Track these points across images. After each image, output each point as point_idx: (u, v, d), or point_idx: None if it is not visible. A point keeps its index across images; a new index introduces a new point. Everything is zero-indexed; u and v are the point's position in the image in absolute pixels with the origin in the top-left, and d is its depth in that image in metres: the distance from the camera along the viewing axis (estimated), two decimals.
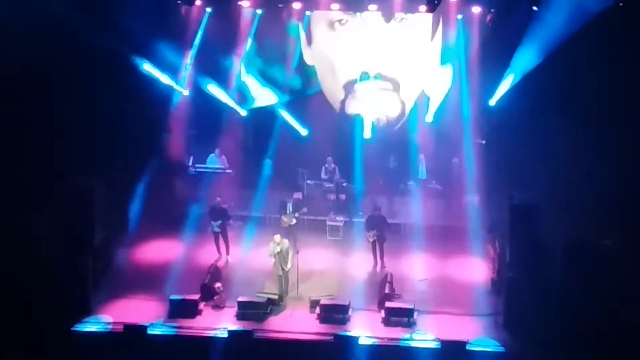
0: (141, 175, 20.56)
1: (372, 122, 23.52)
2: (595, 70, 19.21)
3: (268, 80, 23.54)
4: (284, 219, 20.05)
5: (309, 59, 23.66)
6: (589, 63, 19.32)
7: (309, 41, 23.54)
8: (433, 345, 16.20)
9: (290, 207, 20.20)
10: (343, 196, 22.31)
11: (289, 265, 18.02)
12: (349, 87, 23.63)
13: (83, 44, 18.43)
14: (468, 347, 16.00)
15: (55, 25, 17.93)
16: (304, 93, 23.88)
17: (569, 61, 19.39)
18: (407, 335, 16.51)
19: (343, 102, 23.83)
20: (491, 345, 16.26)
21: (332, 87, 23.88)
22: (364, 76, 23.21)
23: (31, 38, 17.58)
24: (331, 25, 23.29)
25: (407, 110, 23.61)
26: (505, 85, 20.91)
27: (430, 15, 22.23)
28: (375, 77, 23.22)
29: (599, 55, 19.22)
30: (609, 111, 18.83)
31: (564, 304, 16.57)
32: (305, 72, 23.73)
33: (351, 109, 23.76)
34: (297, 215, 20.11)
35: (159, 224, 20.93)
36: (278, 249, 17.92)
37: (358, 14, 22.80)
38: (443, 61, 23.09)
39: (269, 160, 22.99)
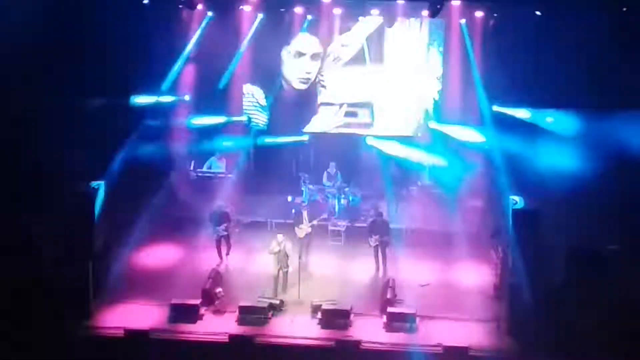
0: (142, 179, 20.53)
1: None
2: (598, 72, 19.23)
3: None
4: (301, 228, 19.72)
5: None
6: (592, 66, 19.35)
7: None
8: (435, 350, 16.12)
9: (305, 215, 19.85)
10: (345, 201, 22.26)
11: (288, 268, 18.08)
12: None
13: (81, 44, 18.45)
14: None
15: (51, 24, 17.96)
16: None
17: (572, 64, 19.41)
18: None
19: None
20: None
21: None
22: None
23: (26, 35, 17.59)
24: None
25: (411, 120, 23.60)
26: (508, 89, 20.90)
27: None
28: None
29: (602, 59, 19.25)
30: (613, 115, 18.81)
31: (567, 310, 16.49)
32: None
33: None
34: (314, 223, 19.92)
35: (159, 228, 20.85)
36: (277, 248, 18.04)
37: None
38: (445, 66, 23.07)
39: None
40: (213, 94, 22.79)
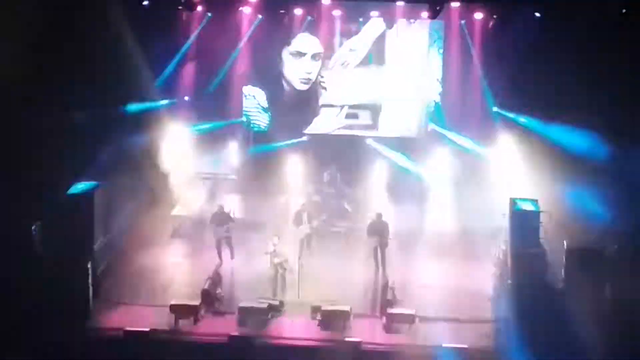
0: (142, 179, 20.56)
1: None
2: (598, 76, 19.25)
3: None
4: (301, 229, 19.84)
5: None
6: (593, 69, 19.37)
7: None
8: (435, 351, 16.13)
9: (305, 216, 19.97)
10: (345, 202, 22.28)
11: (283, 270, 18.16)
12: None
13: (85, 43, 18.51)
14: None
15: (51, 25, 18.01)
16: None
17: (574, 67, 19.44)
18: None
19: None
20: None
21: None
22: None
23: (27, 37, 17.63)
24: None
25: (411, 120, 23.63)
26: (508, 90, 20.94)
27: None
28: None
29: (603, 62, 19.27)
30: (613, 116, 18.83)
31: (567, 310, 16.50)
32: None
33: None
34: (314, 223, 19.95)
35: (159, 228, 20.86)
36: (272, 248, 18.24)
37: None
38: (445, 68, 23.11)
39: None
40: (213, 95, 22.79)
